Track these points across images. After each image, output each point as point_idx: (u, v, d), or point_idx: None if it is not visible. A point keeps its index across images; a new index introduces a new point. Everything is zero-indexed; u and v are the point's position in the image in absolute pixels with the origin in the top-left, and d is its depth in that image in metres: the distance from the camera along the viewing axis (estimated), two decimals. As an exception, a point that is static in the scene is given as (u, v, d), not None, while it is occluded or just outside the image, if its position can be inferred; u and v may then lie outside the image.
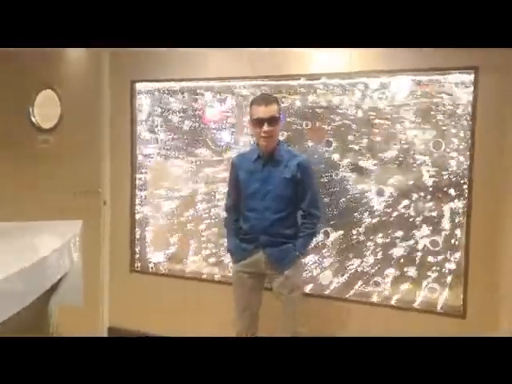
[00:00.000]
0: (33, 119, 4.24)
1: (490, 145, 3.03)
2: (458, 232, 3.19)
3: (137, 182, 4.10)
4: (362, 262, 3.42)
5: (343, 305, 3.43)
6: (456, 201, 3.18)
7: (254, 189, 2.88)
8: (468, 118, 3.10)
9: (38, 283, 1.62)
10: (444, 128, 3.20)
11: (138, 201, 4.12)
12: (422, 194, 3.27)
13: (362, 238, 3.41)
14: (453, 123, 3.17)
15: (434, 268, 3.25)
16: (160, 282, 4.01)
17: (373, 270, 3.39)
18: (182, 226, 3.99)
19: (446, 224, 3.21)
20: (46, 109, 4.20)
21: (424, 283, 3.27)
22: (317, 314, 3.33)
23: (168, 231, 4.06)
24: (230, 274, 3.63)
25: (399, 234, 3.32)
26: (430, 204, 3.24)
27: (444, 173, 3.21)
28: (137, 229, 4.12)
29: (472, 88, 3.08)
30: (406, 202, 3.31)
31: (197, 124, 3.92)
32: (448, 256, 3.21)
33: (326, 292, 3.51)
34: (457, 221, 3.18)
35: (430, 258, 3.25)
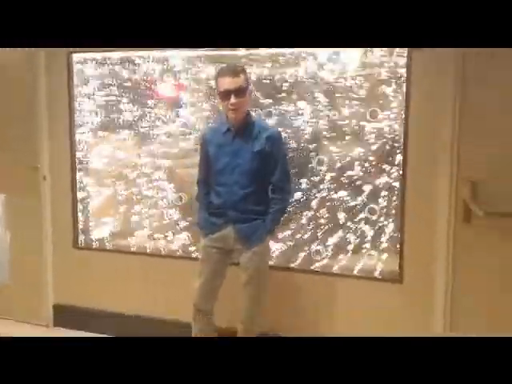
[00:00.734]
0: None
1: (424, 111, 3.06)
2: (394, 198, 3.24)
3: (77, 157, 3.99)
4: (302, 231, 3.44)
5: (287, 275, 3.46)
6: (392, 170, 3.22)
7: (224, 163, 2.82)
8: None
9: None
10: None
11: (78, 176, 4.01)
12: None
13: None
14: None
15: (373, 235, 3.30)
16: (104, 258, 3.95)
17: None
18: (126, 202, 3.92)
19: (383, 192, 3.26)
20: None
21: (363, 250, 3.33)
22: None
23: (111, 206, 3.98)
24: (176, 248, 3.63)
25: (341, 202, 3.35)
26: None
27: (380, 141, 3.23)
28: (79, 204, 4.03)
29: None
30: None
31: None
32: (385, 223, 3.26)
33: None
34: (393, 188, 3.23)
35: (368, 227, 3.30)
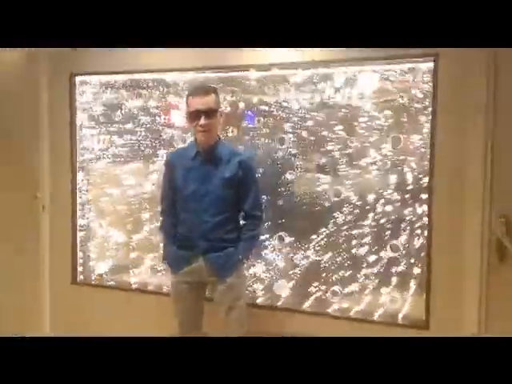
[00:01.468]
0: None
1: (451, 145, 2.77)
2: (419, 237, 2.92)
3: (78, 185, 3.76)
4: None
5: (298, 317, 3.14)
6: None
7: (192, 189, 2.64)
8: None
9: None
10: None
11: (79, 206, 3.77)
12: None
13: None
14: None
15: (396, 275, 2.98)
16: (104, 295, 3.68)
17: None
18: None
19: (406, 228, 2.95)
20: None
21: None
22: (267, 326, 3.04)
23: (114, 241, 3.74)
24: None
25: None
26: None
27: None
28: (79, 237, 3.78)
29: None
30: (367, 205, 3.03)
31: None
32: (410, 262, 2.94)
33: (280, 303, 3.22)
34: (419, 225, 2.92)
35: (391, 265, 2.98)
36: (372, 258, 3.01)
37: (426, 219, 2.86)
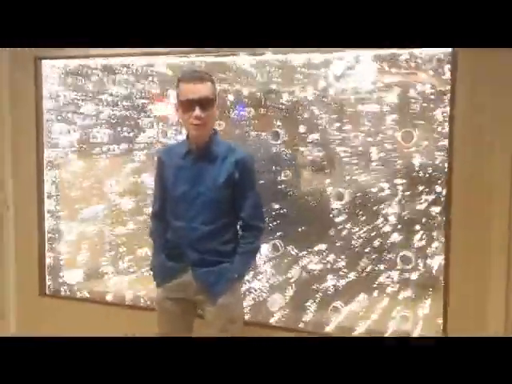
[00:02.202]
0: None
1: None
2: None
3: (45, 183, 3.34)
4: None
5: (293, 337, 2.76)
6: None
7: (182, 191, 2.29)
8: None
9: None
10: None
11: (48, 206, 3.36)
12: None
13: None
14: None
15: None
16: (76, 307, 3.29)
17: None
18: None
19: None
20: None
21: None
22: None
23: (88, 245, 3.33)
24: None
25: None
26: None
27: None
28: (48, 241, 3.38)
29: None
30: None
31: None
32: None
33: (273, 320, 2.85)
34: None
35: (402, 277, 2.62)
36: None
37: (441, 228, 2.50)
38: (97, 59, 3.20)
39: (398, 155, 2.58)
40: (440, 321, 2.50)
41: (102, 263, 3.27)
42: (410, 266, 2.60)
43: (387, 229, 2.63)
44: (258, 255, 2.53)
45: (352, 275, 2.69)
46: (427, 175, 2.55)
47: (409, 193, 2.59)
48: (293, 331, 2.76)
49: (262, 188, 2.64)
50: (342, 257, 2.70)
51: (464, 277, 2.45)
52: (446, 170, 2.46)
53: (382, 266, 2.64)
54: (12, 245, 3.40)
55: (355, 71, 2.65)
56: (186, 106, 2.21)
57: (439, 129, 2.49)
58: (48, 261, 3.38)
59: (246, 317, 2.78)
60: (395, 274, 2.62)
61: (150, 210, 2.59)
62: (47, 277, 3.38)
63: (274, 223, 2.81)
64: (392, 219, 2.61)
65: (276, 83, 2.79)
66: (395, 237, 2.62)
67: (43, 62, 3.30)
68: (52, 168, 3.36)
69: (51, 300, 3.36)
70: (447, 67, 2.44)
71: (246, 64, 2.83)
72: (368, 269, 2.66)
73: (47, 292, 3.38)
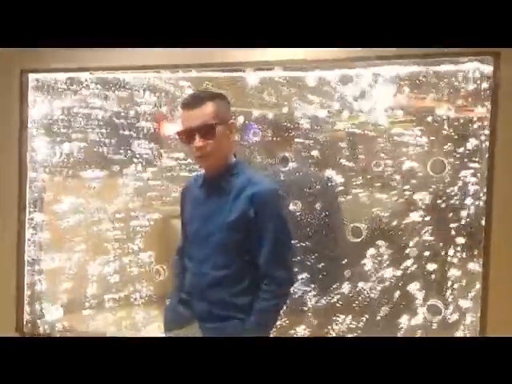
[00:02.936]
0: None
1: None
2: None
3: (27, 207, 3.02)
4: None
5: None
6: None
7: (195, 229, 1.97)
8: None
9: None
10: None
11: (29, 234, 3.03)
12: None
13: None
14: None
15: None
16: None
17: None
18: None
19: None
20: None
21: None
22: None
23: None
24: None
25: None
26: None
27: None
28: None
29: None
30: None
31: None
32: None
33: None
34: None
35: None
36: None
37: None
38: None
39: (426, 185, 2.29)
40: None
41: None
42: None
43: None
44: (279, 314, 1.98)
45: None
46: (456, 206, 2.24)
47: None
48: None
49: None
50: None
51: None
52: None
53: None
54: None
55: (376, 91, 2.36)
56: (185, 135, 1.89)
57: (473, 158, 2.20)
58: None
59: None
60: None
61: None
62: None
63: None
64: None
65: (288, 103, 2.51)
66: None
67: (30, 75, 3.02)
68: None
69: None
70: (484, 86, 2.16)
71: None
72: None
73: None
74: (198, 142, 1.83)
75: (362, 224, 2.37)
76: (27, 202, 3.00)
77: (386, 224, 2.36)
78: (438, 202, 2.28)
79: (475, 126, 2.19)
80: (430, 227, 2.29)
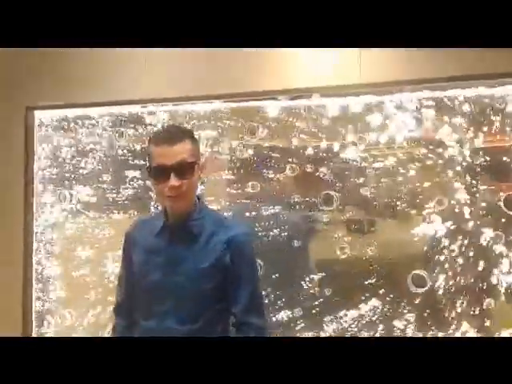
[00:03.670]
0: None
1: None
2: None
3: (34, 258, 2.73)
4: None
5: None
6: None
7: (153, 280, 1.76)
8: None
9: None
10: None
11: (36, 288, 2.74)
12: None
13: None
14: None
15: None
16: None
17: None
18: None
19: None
20: None
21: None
22: None
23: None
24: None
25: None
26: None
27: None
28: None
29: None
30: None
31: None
32: None
33: None
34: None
35: None
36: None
37: None
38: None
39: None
40: None
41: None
42: None
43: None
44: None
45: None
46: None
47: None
48: None
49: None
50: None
51: None
52: None
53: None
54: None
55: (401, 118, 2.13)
56: (157, 173, 1.71)
57: None
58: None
59: None
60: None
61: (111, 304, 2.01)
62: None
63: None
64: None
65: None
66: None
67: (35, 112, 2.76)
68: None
69: None
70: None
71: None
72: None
73: None
74: (174, 180, 1.65)
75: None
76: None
77: None
78: None
79: None
80: None
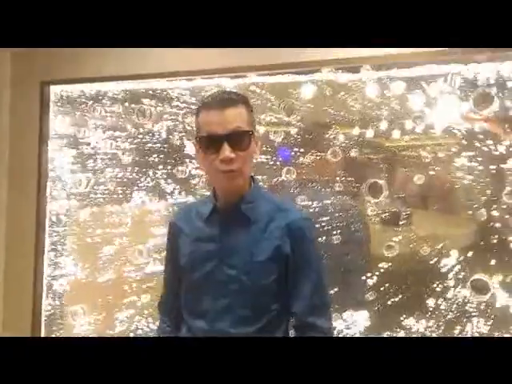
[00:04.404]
0: None
1: None
2: None
3: (47, 242, 2.53)
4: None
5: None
6: None
7: (203, 274, 1.48)
8: None
9: None
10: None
11: (47, 276, 2.53)
12: None
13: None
14: None
15: None
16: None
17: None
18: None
19: None
20: None
21: None
22: None
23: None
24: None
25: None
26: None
27: None
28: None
29: None
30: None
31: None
32: None
33: None
34: None
35: None
36: None
37: None
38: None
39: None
40: None
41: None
42: None
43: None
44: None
45: None
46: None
47: None
48: None
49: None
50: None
51: None
52: None
53: None
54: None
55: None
56: (208, 143, 1.42)
57: None
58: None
59: None
60: None
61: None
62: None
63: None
64: None
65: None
66: None
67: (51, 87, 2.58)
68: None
69: None
70: None
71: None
72: None
73: None
74: (228, 151, 1.37)
75: None
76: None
77: None
78: None
79: None
80: None
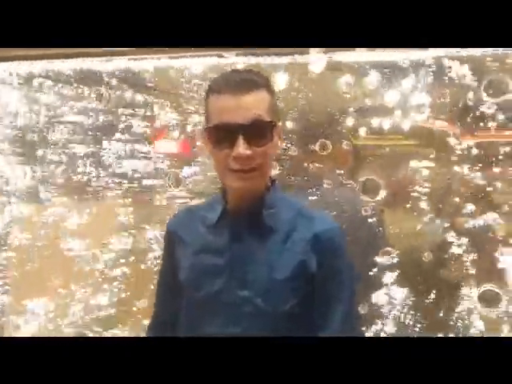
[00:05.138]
0: None
1: None
2: None
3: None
4: None
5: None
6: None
7: (210, 292, 1.24)
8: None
9: None
10: None
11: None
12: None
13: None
14: None
15: None
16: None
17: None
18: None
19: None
20: None
21: None
22: None
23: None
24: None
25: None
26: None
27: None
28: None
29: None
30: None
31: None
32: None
33: None
34: None
35: None
36: None
37: None
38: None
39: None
40: None
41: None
42: None
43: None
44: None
45: None
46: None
47: None
48: None
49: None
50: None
51: None
52: None
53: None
54: None
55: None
56: (219, 136, 1.18)
57: None
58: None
59: None
60: None
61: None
62: None
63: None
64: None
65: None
66: None
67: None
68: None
69: None
70: None
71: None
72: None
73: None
74: (243, 147, 1.14)
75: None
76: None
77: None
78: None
79: None
80: None
